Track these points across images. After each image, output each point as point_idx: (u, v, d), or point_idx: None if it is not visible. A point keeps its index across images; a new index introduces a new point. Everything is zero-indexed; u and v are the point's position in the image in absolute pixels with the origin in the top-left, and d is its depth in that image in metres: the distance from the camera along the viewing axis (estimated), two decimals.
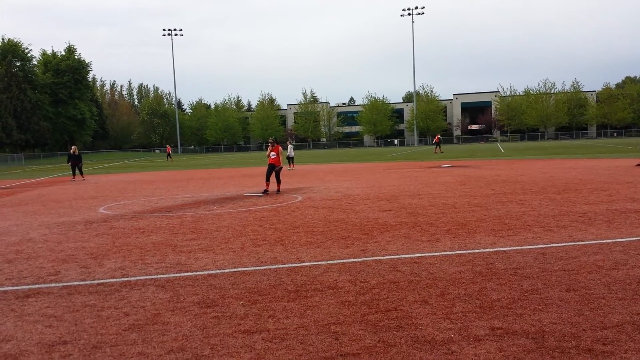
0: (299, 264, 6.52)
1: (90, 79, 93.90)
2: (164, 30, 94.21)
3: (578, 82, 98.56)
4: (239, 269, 6.36)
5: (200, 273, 6.26)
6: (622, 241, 7.16)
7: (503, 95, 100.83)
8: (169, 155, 56.42)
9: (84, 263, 7.01)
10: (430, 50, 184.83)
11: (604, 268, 5.83)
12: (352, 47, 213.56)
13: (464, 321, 4.36)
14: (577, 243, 7.15)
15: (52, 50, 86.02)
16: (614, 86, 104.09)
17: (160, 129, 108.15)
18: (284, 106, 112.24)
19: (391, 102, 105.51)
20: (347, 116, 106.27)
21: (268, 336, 4.18)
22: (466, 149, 55.38)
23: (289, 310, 4.82)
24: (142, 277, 6.16)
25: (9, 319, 4.86)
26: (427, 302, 4.88)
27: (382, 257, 6.71)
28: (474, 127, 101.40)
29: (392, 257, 6.72)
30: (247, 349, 3.96)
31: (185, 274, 6.26)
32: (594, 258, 6.28)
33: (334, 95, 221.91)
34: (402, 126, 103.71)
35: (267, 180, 15.63)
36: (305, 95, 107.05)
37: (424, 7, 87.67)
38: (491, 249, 6.94)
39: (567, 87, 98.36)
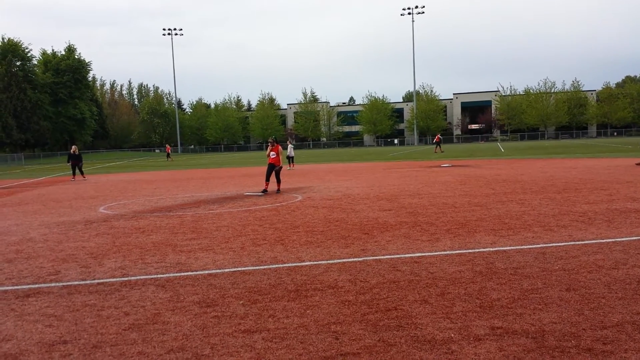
0: (299, 264, 6.52)
1: (90, 79, 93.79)
2: (164, 30, 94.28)
3: (578, 82, 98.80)
4: (239, 269, 6.36)
5: (201, 273, 6.26)
6: (622, 240, 7.16)
7: (503, 94, 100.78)
8: (168, 155, 56.41)
9: (84, 263, 7.02)
10: (430, 50, 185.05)
11: (604, 267, 5.83)
12: (352, 47, 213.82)
13: (464, 321, 4.36)
14: (577, 242, 7.15)
15: (52, 50, 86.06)
16: (614, 85, 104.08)
17: (160, 128, 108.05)
18: (284, 106, 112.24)
19: (391, 101, 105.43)
20: (347, 116, 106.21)
21: (268, 336, 4.19)
22: (466, 149, 55.41)
23: (289, 309, 4.82)
24: (142, 277, 6.16)
25: (9, 318, 4.87)
26: (427, 302, 4.88)
27: (382, 257, 6.71)
28: (474, 126, 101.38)
29: (392, 256, 6.72)
30: (247, 348, 3.96)
31: (186, 273, 6.26)
32: (594, 257, 6.28)
33: (334, 94, 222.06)
34: (402, 126, 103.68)
35: (267, 179, 15.63)
36: (305, 94, 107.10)
37: (424, 7, 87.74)
38: (491, 249, 6.94)
39: (567, 87, 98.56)
